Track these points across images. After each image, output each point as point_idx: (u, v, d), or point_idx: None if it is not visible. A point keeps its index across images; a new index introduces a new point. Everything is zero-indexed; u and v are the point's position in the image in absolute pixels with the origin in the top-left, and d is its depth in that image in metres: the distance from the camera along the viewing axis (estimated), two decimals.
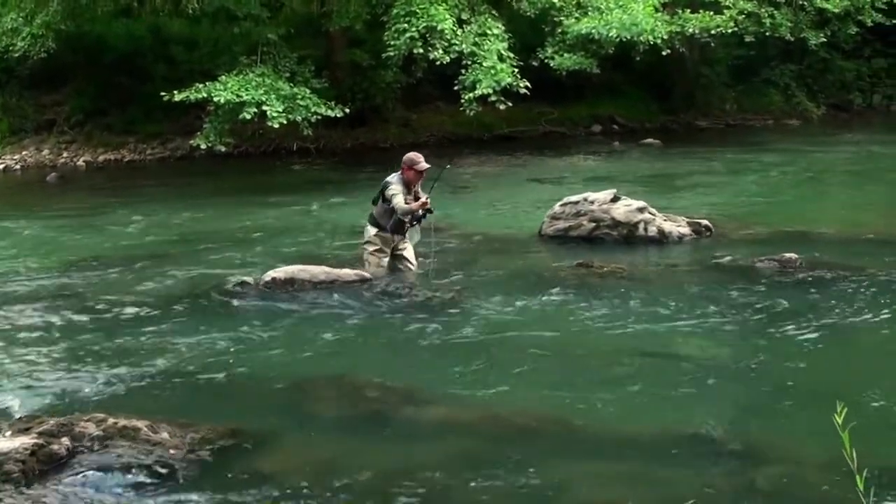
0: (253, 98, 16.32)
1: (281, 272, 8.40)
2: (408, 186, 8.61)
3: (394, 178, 8.64)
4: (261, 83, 16.73)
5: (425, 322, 7.27)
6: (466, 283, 8.39)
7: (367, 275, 8.43)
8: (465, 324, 7.20)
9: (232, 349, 6.70)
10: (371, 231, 8.74)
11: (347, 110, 17.83)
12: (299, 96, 16.97)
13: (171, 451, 4.83)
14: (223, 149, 17.57)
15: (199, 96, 16.57)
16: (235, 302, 8.00)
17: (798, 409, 5.31)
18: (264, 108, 16.38)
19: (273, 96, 16.52)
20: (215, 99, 16.41)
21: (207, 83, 16.73)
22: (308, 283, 8.24)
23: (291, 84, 17.24)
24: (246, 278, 8.49)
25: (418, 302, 7.80)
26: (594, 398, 5.66)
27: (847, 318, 6.99)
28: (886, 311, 7.09)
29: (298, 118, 16.86)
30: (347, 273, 8.41)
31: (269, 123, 16.57)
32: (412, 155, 8.83)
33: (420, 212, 8.60)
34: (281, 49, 18.39)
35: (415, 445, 5.01)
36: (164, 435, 4.95)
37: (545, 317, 7.27)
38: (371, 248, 8.77)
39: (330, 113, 17.24)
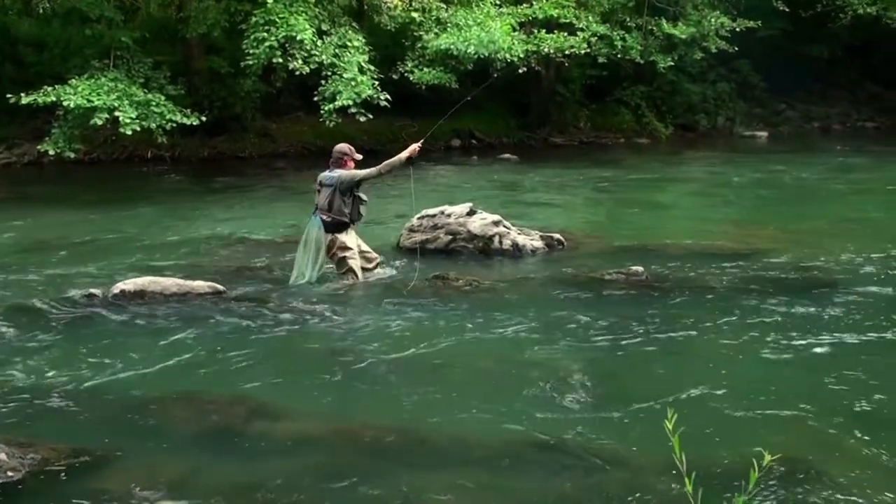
0: (105, 103, 15.77)
1: (131, 284, 8.17)
2: None
3: (338, 171, 8.83)
4: (113, 88, 16.19)
5: (279, 334, 7.23)
6: (322, 296, 8.37)
7: (220, 287, 8.30)
8: (319, 336, 7.19)
9: (77, 365, 6.46)
10: (341, 236, 8.82)
11: (204, 118, 17.47)
12: (154, 103, 16.51)
13: (10, 473, 4.62)
14: (73, 155, 16.92)
15: (48, 100, 15.91)
16: (82, 315, 7.72)
17: (639, 416, 5.52)
18: (116, 113, 15.86)
19: (126, 102, 16.00)
20: (65, 103, 15.79)
21: (57, 86, 16.09)
22: (159, 296, 8.05)
23: (146, 90, 16.78)
24: (94, 290, 8.21)
25: (272, 314, 7.72)
26: (447, 409, 5.74)
27: (687, 328, 7.33)
28: (722, 321, 7.47)
29: (153, 125, 16.40)
30: (200, 285, 8.26)
31: (122, 130, 16.06)
32: (345, 146, 9.07)
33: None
34: (135, 54, 17.89)
35: (265, 460, 4.96)
36: (2, 456, 4.73)
37: (399, 329, 7.33)
38: (349, 253, 8.84)
39: (186, 121, 16.84)
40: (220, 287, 8.32)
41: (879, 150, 23.31)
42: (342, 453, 5.09)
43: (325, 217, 8.79)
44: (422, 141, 9.24)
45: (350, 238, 8.92)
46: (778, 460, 4.65)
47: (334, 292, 8.53)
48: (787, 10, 24.56)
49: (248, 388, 6.08)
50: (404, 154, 8.88)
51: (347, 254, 8.87)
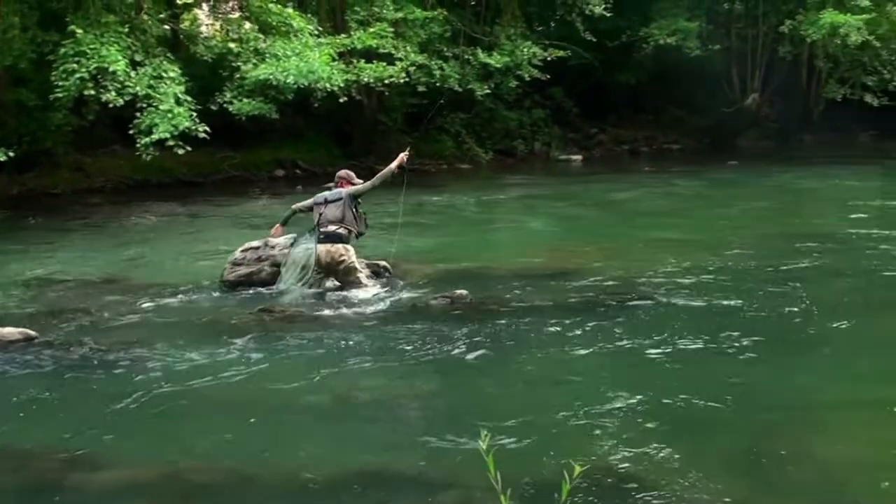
0: None
1: None
2: None
3: (341, 189, 9.81)
4: None
5: (96, 379, 6.96)
6: (143, 336, 8.10)
7: (32, 333, 7.92)
8: (142, 378, 6.96)
9: None
10: (350, 247, 9.69)
11: (12, 154, 16.61)
12: None
13: None
14: None
15: None
16: None
17: (466, 436, 5.66)
18: None
19: None
20: None
21: None
22: None
23: None
24: None
25: (91, 357, 7.43)
26: (277, 444, 5.71)
27: (511, 347, 7.57)
28: (545, 339, 7.76)
29: None
30: (10, 332, 7.85)
31: None
32: (344, 172, 10.19)
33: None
34: None
35: None
36: None
37: (225, 366, 7.19)
38: (357, 262, 9.72)
39: None
40: (32, 333, 7.93)
41: (682, 169, 24.72)
42: (169, 498, 4.98)
43: (336, 229, 9.59)
44: (408, 150, 10.28)
45: (353, 249, 9.77)
46: (596, 469, 4.94)
47: (158, 332, 8.29)
48: (594, 40, 25.79)
49: (65, 437, 5.83)
50: (394, 164, 9.86)
51: (355, 262, 9.71)
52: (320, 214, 9.75)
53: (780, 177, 22.17)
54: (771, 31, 28.74)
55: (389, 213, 13.19)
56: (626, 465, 5.15)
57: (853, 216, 15.29)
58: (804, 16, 26.77)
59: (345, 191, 9.79)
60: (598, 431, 5.70)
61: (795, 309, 8.70)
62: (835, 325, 8.24)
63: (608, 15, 24.58)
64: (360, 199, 9.97)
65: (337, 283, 9.84)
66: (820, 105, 30.36)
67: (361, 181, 10.05)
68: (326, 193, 9.95)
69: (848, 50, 26.82)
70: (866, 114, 29.32)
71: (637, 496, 4.78)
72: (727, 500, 4.79)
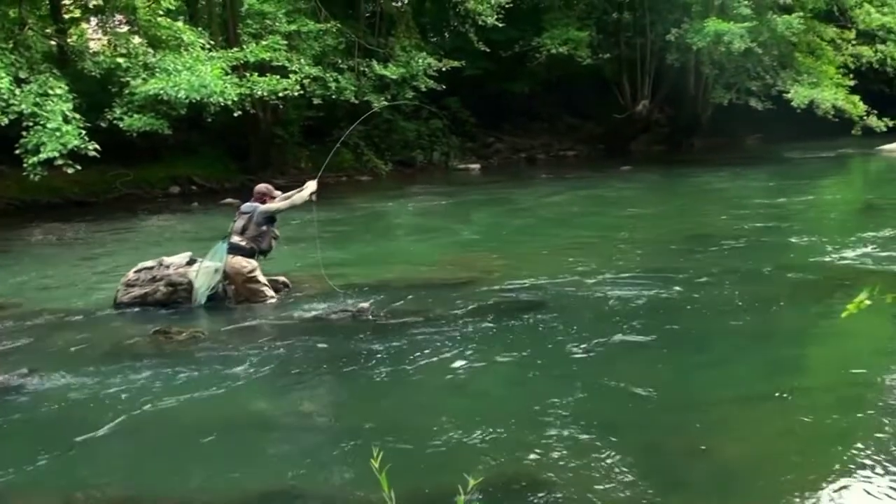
0: None
1: None
2: None
3: (256, 204, 9.91)
4: None
5: None
6: (33, 363, 7.80)
7: None
8: (30, 408, 6.71)
9: None
10: (252, 260, 9.74)
11: None
12: None
13: None
14: None
15: None
16: None
17: (364, 453, 5.61)
18: None
19: None
20: None
21: None
22: None
23: None
24: None
25: None
26: (172, 469, 5.60)
27: (411, 359, 7.55)
28: (445, 350, 7.77)
29: None
30: None
31: None
32: (263, 187, 10.28)
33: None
34: None
35: None
36: None
37: (120, 391, 6.99)
38: (260, 275, 9.76)
39: None
40: None
41: (579, 175, 25.26)
42: None
43: (238, 241, 9.73)
44: (318, 177, 10.37)
45: (256, 263, 9.81)
46: (499, 477, 4.99)
47: (49, 359, 8.01)
48: (487, 50, 26.12)
49: None
50: (306, 193, 9.96)
51: (257, 274, 9.78)
52: (233, 223, 10.00)
53: (671, 180, 22.85)
54: (658, 40, 29.57)
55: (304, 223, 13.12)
56: (529, 471, 5.20)
57: (743, 213, 15.91)
58: (689, 24, 27.63)
59: (261, 207, 9.91)
60: (500, 439, 5.75)
61: (695, 307, 8.99)
62: (732, 322, 8.53)
63: (501, 25, 24.92)
64: (275, 218, 10.06)
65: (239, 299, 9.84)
66: (708, 110, 31.39)
67: (281, 193, 10.26)
68: (245, 205, 10.14)
69: (732, 56, 27.78)
70: (752, 118, 30.43)
71: (539, 501, 4.83)
72: (629, 500, 4.89)
